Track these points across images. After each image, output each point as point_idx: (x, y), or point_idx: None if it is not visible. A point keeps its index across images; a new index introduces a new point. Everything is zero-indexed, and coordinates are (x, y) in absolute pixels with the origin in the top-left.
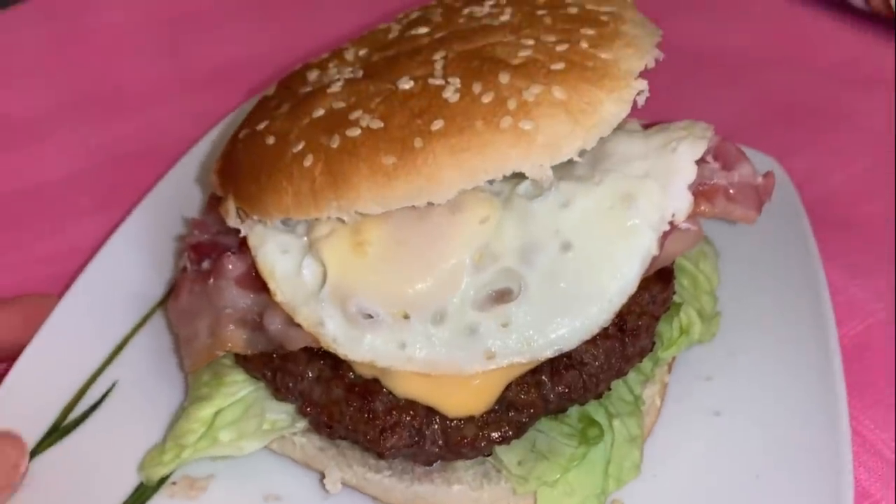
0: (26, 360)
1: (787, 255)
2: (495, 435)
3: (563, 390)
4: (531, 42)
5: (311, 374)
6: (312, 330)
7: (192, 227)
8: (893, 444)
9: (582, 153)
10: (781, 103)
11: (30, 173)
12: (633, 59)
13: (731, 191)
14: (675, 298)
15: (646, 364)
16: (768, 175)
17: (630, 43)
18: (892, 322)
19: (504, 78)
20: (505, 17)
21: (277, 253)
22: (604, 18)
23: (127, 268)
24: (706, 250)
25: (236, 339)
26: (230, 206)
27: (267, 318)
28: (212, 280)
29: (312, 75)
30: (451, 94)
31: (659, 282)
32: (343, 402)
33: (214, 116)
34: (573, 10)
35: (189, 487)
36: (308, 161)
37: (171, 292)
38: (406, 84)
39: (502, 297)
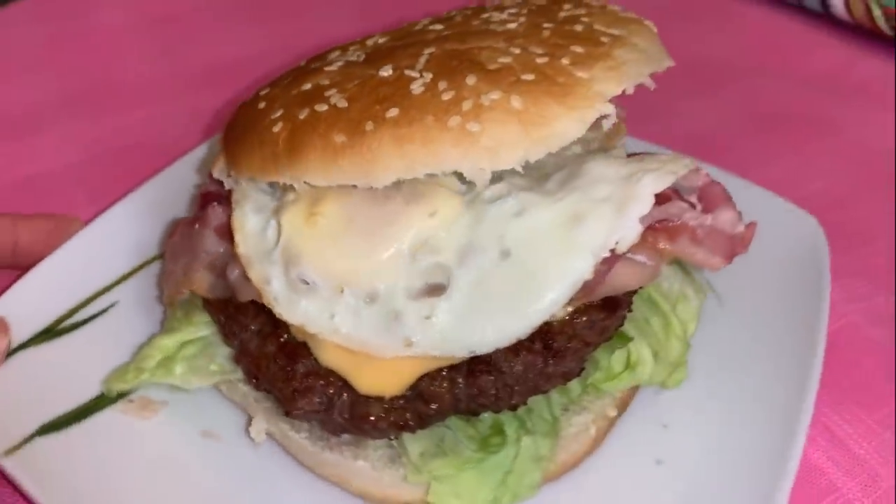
0: (40, 269)
1: (792, 321)
2: (398, 420)
3: (475, 393)
4: (517, 51)
5: (252, 327)
6: (259, 286)
7: (208, 178)
8: (861, 439)
9: (526, 164)
10: (763, 111)
11: (25, 166)
12: (609, 81)
13: (698, 233)
14: (629, 332)
15: (573, 389)
16: (750, 226)
17: (615, 66)
18: (865, 323)
19: (471, 80)
20: (512, 26)
21: (251, 211)
22: (604, 39)
23: (143, 219)
24: (689, 294)
25: (202, 281)
26: (221, 161)
27: (229, 267)
28: (197, 226)
29: (333, 55)
30: (416, 87)
31: (603, 310)
32: (270, 358)
33: (208, 113)
34: (578, 28)
35: (142, 408)
36: (277, 128)
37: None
38: (385, 72)
39: (433, 290)
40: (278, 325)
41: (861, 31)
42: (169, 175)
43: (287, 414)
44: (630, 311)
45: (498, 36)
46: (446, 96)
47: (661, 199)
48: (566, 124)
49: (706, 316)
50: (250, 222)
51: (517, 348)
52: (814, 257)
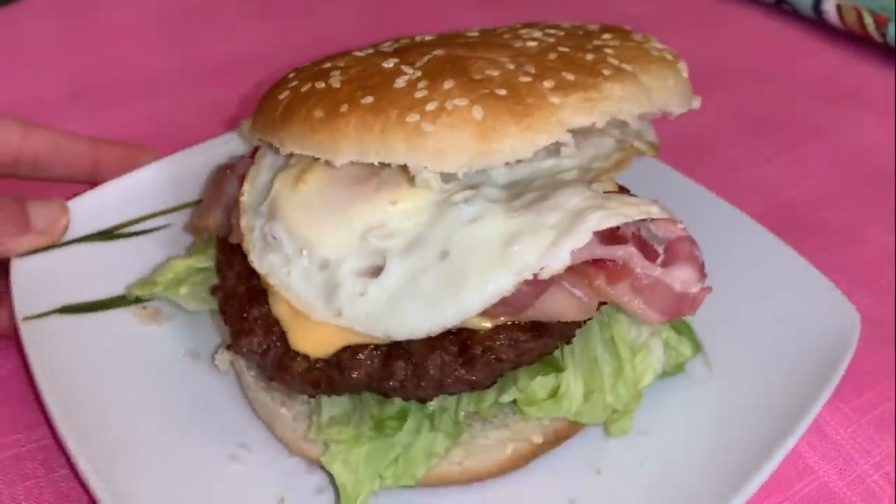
0: (112, 183)
1: (774, 406)
2: (312, 381)
3: (385, 375)
4: (511, 67)
5: (235, 266)
6: (244, 233)
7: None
8: (838, 426)
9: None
10: (756, 114)
11: None
12: (579, 112)
13: (641, 281)
14: (563, 363)
15: (485, 401)
16: (702, 290)
17: (595, 99)
18: None
19: (448, 84)
20: (532, 45)
21: (266, 167)
22: (605, 72)
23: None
24: (652, 346)
25: (215, 219)
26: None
27: (233, 211)
28: (228, 171)
29: (385, 44)
30: (400, 82)
31: (529, 332)
32: (236, 296)
33: (218, 107)
34: (589, 57)
35: (151, 315)
36: (283, 95)
37: None
38: (388, 64)
39: (376, 271)
40: (253, 271)
41: (853, 38)
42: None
43: (228, 348)
44: (568, 342)
45: (509, 51)
46: (419, 94)
47: (615, 238)
48: (515, 144)
49: (687, 378)
50: (260, 177)
51: (434, 345)
52: (836, 349)
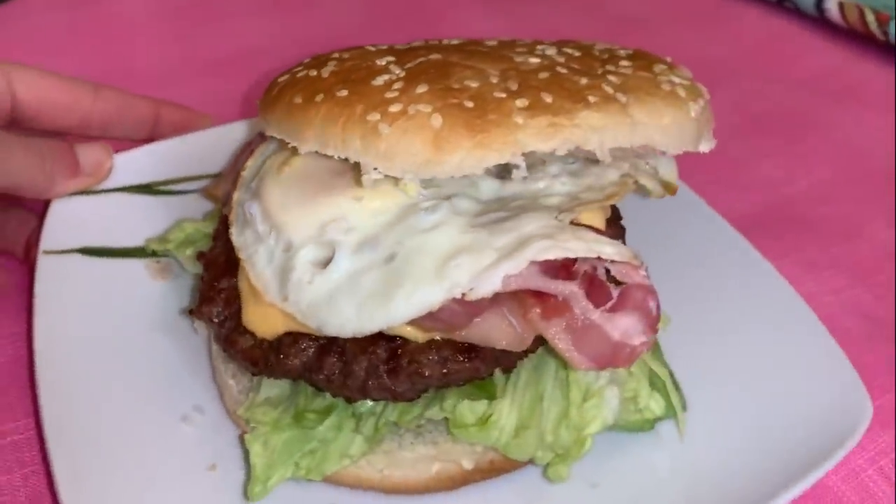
0: (165, 142)
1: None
2: (251, 359)
3: (317, 367)
4: (494, 81)
5: (224, 237)
6: (233, 206)
7: None
8: None
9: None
10: (757, 111)
11: None
12: (538, 137)
13: (577, 323)
14: (498, 391)
15: (408, 413)
16: (642, 344)
17: (561, 125)
18: (841, 313)
19: (421, 89)
20: (533, 60)
21: (271, 147)
22: (591, 99)
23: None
24: (606, 396)
25: (224, 190)
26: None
27: (236, 184)
28: (247, 146)
29: (414, 43)
30: (379, 80)
31: (461, 353)
32: (213, 265)
33: (223, 99)
34: (583, 81)
35: (161, 271)
36: (282, 78)
37: None
38: (381, 61)
39: (328, 263)
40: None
41: (855, 36)
42: None
43: (191, 312)
44: (506, 371)
45: (504, 64)
46: (390, 94)
47: (566, 274)
48: (464, 159)
49: (657, 438)
50: (260, 158)
51: (366, 348)
52: (835, 438)
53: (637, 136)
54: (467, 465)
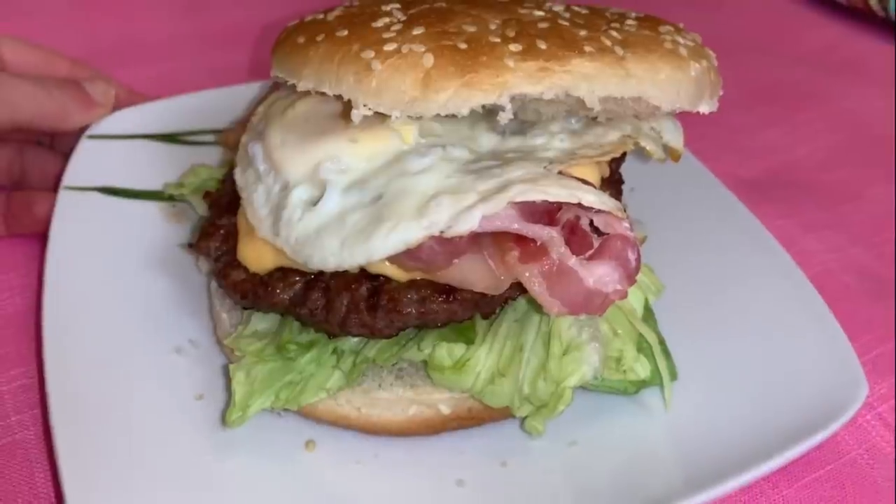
0: (176, 98)
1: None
2: (241, 292)
3: (301, 300)
4: (492, 27)
5: (231, 178)
6: (239, 148)
7: None
8: None
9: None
10: (761, 83)
11: None
12: (526, 80)
13: (552, 268)
14: (475, 336)
15: (385, 351)
16: (615, 293)
17: (552, 71)
18: (840, 269)
19: (418, 31)
20: (538, 13)
21: (281, 98)
22: (587, 48)
23: None
24: (587, 350)
25: (235, 136)
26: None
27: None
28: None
29: None
30: (379, 22)
31: (439, 294)
32: (217, 205)
33: (229, 71)
34: (582, 33)
35: (177, 214)
36: (292, 24)
37: None
38: (386, 7)
39: (317, 202)
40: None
41: (854, 12)
42: None
43: (189, 246)
44: (485, 316)
45: (506, 14)
46: (387, 34)
47: (549, 219)
48: (450, 98)
49: (641, 405)
50: (277, 103)
51: (349, 284)
52: (824, 418)
53: (629, 87)
54: (444, 409)
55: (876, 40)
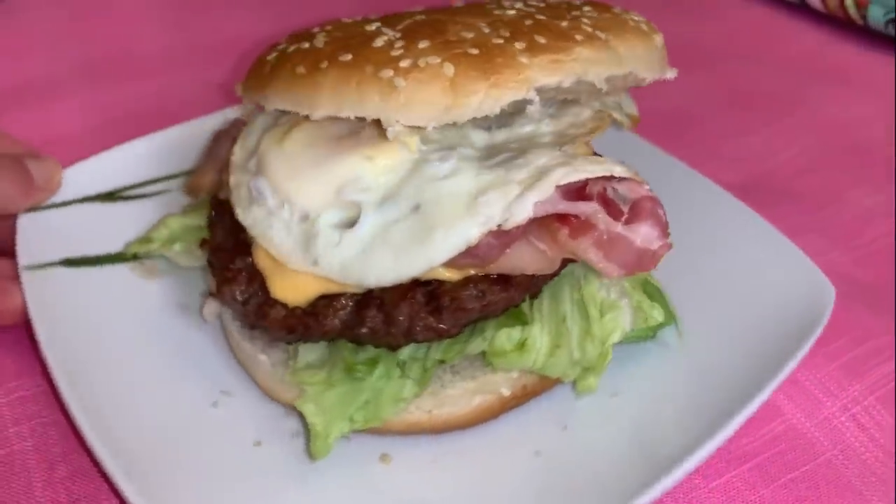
0: (109, 152)
1: (746, 371)
2: (290, 327)
3: (357, 322)
4: (486, 31)
5: (224, 222)
6: (232, 189)
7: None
8: (808, 371)
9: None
10: (741, 91)
11: (48, 128)
12: (545, 72)
13: (603, 237)
14: (529, 317)
15: (452, 349)
16: (662, 246)
17: (563, 60)
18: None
19: (423, 44)
20: (510, 13)
21: (257, 129)
22: (577, 37)
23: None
24: (621, 307)
25: (210, 180)
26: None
27: (224, 171)
28: (223, 135)
29: (373, 16)
30: (378, 42)
31: (496, 285)
32: (221, 249)
33: (219, 85)
34: (564, 24)
35: (147, 271)
36: (271, 56)
37: None
38: (370, 27)
39: (351, 223)
40: (240, 227)
41: (835, 21)
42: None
43: (213, 296)
44: (534, 297)
45: (487, 18)
46: (394, 52)
47: (582, 196)
48: (483, 99)
49: (660, 345)
50: (251, 137)
51: (405, 294)
52: (807, 323)
53: (623, 66)
54: (505, 392)
55: (856, 48)
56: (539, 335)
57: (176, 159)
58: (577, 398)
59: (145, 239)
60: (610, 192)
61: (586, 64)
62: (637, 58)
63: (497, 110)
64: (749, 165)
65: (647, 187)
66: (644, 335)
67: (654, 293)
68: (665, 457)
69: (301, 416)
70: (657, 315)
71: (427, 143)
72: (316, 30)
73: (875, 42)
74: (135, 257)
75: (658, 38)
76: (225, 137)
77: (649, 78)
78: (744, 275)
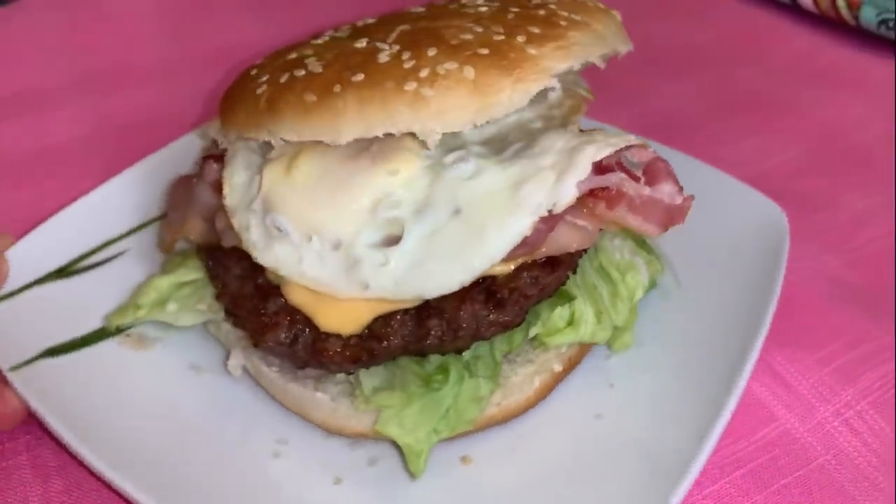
0: (58, 217)
1: (744, 300)
2: (353, 356)
3: (422, 335)
4: (479, 30)
5: (234, 270)
6: (240, 232)
7: (212, 140)
8: (801, 376)
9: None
10: (734, 94)
11: (43, 137)
12: (557, 59)
13: (636, 201)
14: (573, 292)
15: (515, 338)
16: (687, 199)
17: (566, 46)
18: (814, 278)
19: (431, 52)
20: (483, 10)
21: (241, 166)
22: (562, 23)
23: (155, 180)
24: (638, 264)
25: (196, 229)
26: (216, 123)
27: (217, 216)
28: (195, 180)
29: (325, 33)
30: (383, 57)
31: (545, 268)
32: (246, 297)
33: (214, 96)
34: (541, 13)
35: (137, 342)
36: (261, 90)
37: None
38: (360, 44)
39: (392, 241)
40: (256, 269)
41: (826, 21)
42: (174, 148)
43: (256, 346)
44: (574, 272)
45: (467, 17)
46: (407, 65)
47: (603, 169)
48: (511, 95)
49: (661, 292)
50: (238, 177)
51: (463, 297)
52: (774, 246)
53: (607, 44)
54: (557, 367)
55: (849, 49)
56: (584, 307)
57: (128, 213)
58: (608, 357)
59: (131, 306)
60: (624, 161)
61: (585, 46)
62: (613, 34)
63: (525, 103)
64: (743, 169)
65: (652, 150)
66: (651, 286)
67: (650, 248)
68: (711, 384)
69: (375, 441)
70: (657, 266)
71: (432, 148)
72: (292, 55)
73: (867, 43)
74: (118, 330)
75: (617, 14)
76: (198, 182)
77: (623, 51)
78: (704, 219)
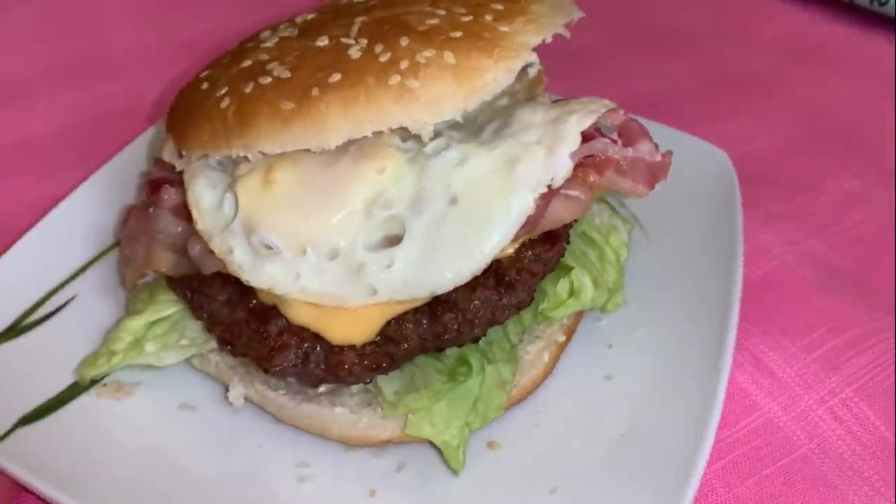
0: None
1: (710, 242)
2: (371, 364)
3: (439, 330)
4: (442, 13)
5: (220, 297)
6: (223, 257)
7: (153, 165)
8: (785, 364)
9: (464, 113)
10: (721, 73)
11: (19, 129)
12: (530, 33)
13: (622, 164)
14: (569, 263)
15: (526, 317)
16: (666, 154)
17: (533, 20)
18: (797, 263)
19: (404, 41)
20: None
21: (205, 187)
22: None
23: (98, 206)
24: (617, 225)
25: (165, 260)
26: (169, 143)
27: (190, 244)
28: (151, 209)
29: (265, 34)
30: (354, 52)
31: (545, 243)
32: (242, 323)
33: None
34: None
35: (116, 390)
36: (225, 103)
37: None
38: (322, 42)
39: (391, 241)
40: (245, 292)
41: (816, 1)
42: (114, 165)
43: (266, 372)
44: (568, 243)
45: (423, 2)
46: (383, 58)
47: (585, 137)
48: (496, 74)
49: (635, 248)
50: (205, 198)
51: (473, 285)
52: (726, 188)
53: (562, 12)
54: (560, 338)
55: (839, 27)
56: (582, 276)
57: (71, 251)
58: (600, 319)
59: (103, 354)
60: (600, 127)
61: (549, 17)
62: (567, 2)
63: (512, 80)
64: (728, 150)
65: (623, 111)
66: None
67: (621, 206)
68: (708, 326)
69: (396, 446)
70: (628, 224)
71: (406, 140)
72: (247, 62)
73: (858, 21)
74: (92, 382)
75: None
76: (157, 211)
77: (576, 18)
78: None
